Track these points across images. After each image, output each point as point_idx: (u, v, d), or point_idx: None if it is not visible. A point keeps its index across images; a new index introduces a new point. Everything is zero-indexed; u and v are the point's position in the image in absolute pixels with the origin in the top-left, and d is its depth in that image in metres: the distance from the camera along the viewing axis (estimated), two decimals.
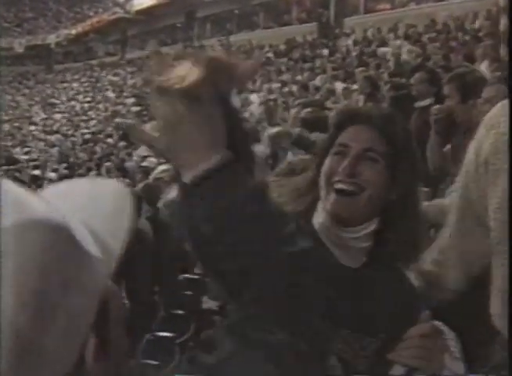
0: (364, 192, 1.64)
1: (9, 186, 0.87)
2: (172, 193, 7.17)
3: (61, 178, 12.77)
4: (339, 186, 1.64)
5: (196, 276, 6.03)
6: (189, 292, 5.99)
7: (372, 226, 1.67)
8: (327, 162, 1.69)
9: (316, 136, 5.82)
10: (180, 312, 5.76)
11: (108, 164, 12.34)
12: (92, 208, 1.01)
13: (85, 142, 19.01)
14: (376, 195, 1.66)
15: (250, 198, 1.08)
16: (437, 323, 1.65)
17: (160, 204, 6.94)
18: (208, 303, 5.70)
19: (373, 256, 1.68)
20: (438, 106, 4.61)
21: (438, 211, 3.48)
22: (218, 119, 1.13)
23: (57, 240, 0.85)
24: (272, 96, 13.64)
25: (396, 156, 1.67)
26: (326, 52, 19.86)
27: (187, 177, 1.09)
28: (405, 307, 1.64)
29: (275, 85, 15.97)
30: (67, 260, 0.86)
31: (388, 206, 1.68)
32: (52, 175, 13.65)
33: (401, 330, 1.58)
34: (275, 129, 5.47)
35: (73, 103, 32.43)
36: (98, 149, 16.00)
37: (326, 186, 1.67)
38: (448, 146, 4.41)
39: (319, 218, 1.69)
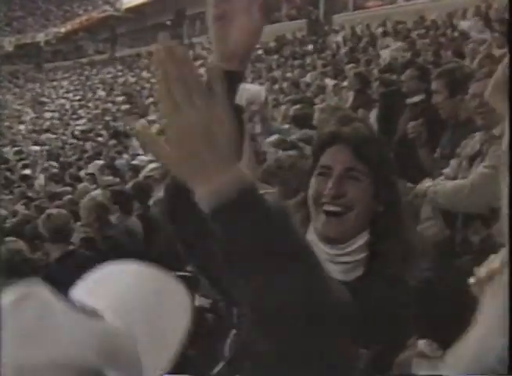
0: (352, 211, 1.68)
1: (39, 305, 0.82)
2: (162, 192, 7.17)
3: (51, 177, 12.73)
4: (327, 207, 1.67)
5: (188, 274, 6.03)
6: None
7: (363, 239, 1.70)
8: (312, 184, 1.73)
9: (305, 133, 5.84)
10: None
11: (98, 162, 12.27)
12: (141, 319, 0.94)
13: (75, 140, 18.97)
14: (363, 211, 1.69)
15: (273, 231, 1.04)
16: (423, 343, 1.66)
17: (150, 202, 6.93)
18: (200, 301, 5.69)
19: (371, 266, 1.70)
20: (412, 123, 4.55)
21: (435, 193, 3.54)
22: (234, 129, 1.06)
23: None
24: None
25: (376, 174, 1.70)
26: (316, 48, 19.88)
27: (201, 195, 1.03)
28: (400, 318, 1.65)
29: (266, 82, 15.97)
30: None
31: (377, 218, 1.71)
32: (41, 176, 13.55)
33: (396, 340, 1.59)
34: (273, 137, 5.55)
35: (63, 101, 32.37)
36: (88, 147, 15.96)
37: (314, 207, 1.70)
38: (438, 150, 4.41)
39: (310, 236, 1.71)
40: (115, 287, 0.99)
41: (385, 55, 13.63)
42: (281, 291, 1.05)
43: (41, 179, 13.20)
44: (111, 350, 0.85)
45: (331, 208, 1.66)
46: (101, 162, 12.00)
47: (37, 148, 19.70)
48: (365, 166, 1.69)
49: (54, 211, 5.31)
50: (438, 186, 3.51)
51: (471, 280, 1.10)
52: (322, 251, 1.65)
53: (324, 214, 1.67)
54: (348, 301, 1.24)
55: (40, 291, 0.84)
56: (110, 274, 1.03)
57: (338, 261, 1.67)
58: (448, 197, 3.43)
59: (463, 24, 11.64)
